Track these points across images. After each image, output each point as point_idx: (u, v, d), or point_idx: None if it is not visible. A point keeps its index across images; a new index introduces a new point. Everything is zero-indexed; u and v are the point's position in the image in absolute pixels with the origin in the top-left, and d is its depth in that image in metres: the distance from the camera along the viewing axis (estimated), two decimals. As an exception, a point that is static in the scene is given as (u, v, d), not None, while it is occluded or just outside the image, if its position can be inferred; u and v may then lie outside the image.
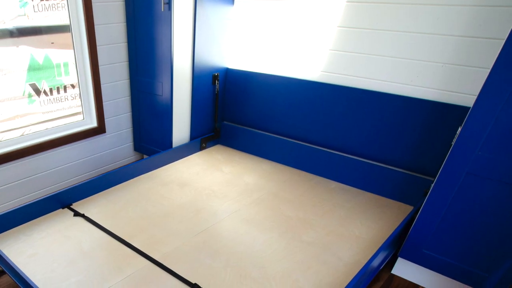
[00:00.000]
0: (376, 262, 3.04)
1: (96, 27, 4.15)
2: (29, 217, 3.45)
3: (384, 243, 3.01)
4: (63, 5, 3.93)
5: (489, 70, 2.68)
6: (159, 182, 4.21)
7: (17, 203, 4.13)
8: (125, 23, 4.43)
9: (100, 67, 4.38)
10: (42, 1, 3.79)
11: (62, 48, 4.09)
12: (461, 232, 2.90)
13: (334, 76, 4.05)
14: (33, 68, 3.94)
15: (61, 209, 3.65)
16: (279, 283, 2.88)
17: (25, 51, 3.83)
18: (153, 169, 4.48)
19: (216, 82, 4.79)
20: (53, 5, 3.87)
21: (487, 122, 2.51)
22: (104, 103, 4.60)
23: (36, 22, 3.81)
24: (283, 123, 4.59)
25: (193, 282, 2.84)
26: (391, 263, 3.51)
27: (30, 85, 3.98)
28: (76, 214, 3.58)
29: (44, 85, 4.09)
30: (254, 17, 4.42)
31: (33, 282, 2.66)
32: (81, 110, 4.52)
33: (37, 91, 4.06)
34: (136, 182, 4.20)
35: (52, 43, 4.00)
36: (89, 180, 3.86)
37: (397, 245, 3.45)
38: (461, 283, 3.09)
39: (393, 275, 3.43)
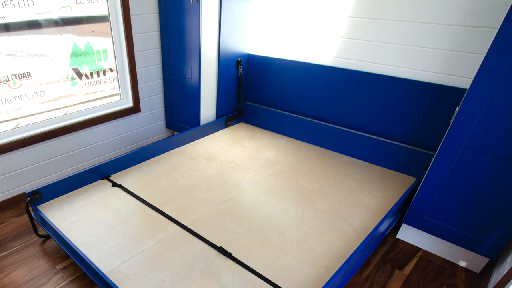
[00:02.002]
0: (382, 228, 3.10)
1: (132, 17, 4.16)
2: (72, 187, 3.50)
3: (390, 210, 3.05)
4: (102, -2, 3.97)
5: (483, 56, 2.72)
6: (188, 156, 4.24)
7: (62, 175, 4.22)
8: (158, 14, 4.42)
9: (135, 53, 4.39)
10: (83, -6, 3.81)
11: (101, 36, 4.09)
12: (458, 201, 2.92)
13: (345, 61, 4.04)
14: (76, 54, 3.95)
15: (100, 180, 3.71)
16: (296, 246, 2.92)
17: (68, 39, 3.83)
18: (183, 145, 4.50)
19: (239, 66, 4.77)
20: (93, -2, 3.91)
21: (482, 102, 2.52)
22: (139, 85, 4.62)
23: (78, 13, 3.78)
24: (300, 103, 4.57)
25: (219, 245, 2.89)
26: (396, 228, 3.58)
27: (73, 69, 3.99)
28: (114, 184, 3.64)
29: (85, 69, 4.10)
30: (273, 8, 4.39)
31: (75, 246, 2.74)
32: (118, 92, 4.53)
33: (79, 75, 4.07)
34: (168, 156, 4.24)
35: (93, 31, 4.00)
36: (125, 154, 3.89)
37: (402, 212, 3.49)
38: (458, 247, 3.13)
39: (398, 239, 3.47)
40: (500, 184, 2.68)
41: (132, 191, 3.57)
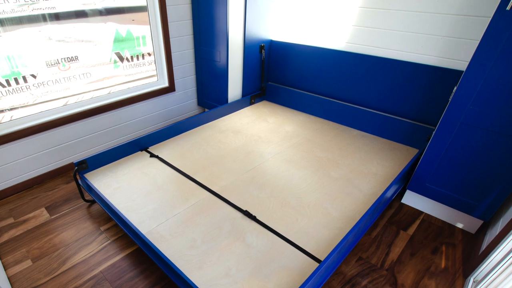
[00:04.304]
0: (389, 194, 3.14)
1: (167, 7, 4.21)
2: (114, 157, 3.59)
3: (396, 178, 3.09)
4: (141, -10, 3.99)
5: (478, 42, 2.73)
6: (217, 130, 4.29)
7: (105, 147, 4.33)
8: (190, 4, 4.45)
9: (170, 39, 4.44)
10: (124, -13, 3.85)
11: (140, 24, 4.13)
12: (456, 170, 2.97)
13: (356, 46, 4.02)
14: (118, 40, 4.01)
15: (139, 152, 3.78)
16: (312, 210, 2.97)
17: (111, 27, 3.89)
18: (213, 120, 4.55)
19: (263, 51, 4.78)
20: (133, -10, 3.94)
21: (477, 82, 2.56)
22: (174, 68, 4.68)
23: (120, 4, 3.84)
24: (316, 83, 4.58)
25: (244, 209, 2.95)
26: (401, 194, 3.63)
27: (115, 53, 4.06)
28: (152, 155, 3.70)
29: (126, 53, 4.16)
30: (293, -2, 4.45)
31: (117, 209, 2.81)
32: (155, 73, 4.58)
33: (121, 58, 4.14)
34: (199, 130, 4.29)
35: (133, 20, 4.04)
36: (162, 128, 3.94)
37: (406, 180, 3.53)
38: (456, 210, 3.19)
39: (403, 203, 3.52)
40: (493, 155, 2.73)
41: (168, 161, 3.63)
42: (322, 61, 4.39)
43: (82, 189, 3.67)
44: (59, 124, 3.72)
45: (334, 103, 4.48)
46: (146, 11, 4.14)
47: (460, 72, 3.38)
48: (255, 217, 2.86)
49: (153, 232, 2.70)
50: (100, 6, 3.71)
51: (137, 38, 4.21)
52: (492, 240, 2.51)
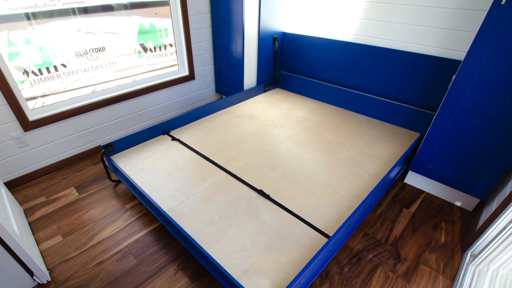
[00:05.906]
0: (393, 174, 3.20)
1: (187, 2, 4.22)
2: (139, 141, 3.62)
3: (399, 160, 3.12)
4: (163, -14, 4.01)
5: (475, 33, 2.72)
6: (234, 115, 4.30)
7: (131, 131, 4.36)
8: None
9: (191, 31, 4.45)
10: (148, -17, 3.87)
11: (163, 17, 4.15)
12: (455, 152, 2.99)
13: (362, 38, 4.01)
14: (142, 32, 4.03)
15: (162, 135, 3.81)
16: (322, 189, 2.98)
17: (136, 20, 3.91)
18: (229, 106, 4.57)
19: (276, 42, 4.79)
20: (156, -14, 3.96)
21: (474, 71, 2.58)
22: (193, 58, 4.69)
23: None
24: (325, 72, 4.58)
25: (259, 188, 2.97)
26: (404, 175, 3.65)
27: (140, 44, 4.07)
28: (173, 139, 3.73)
29: (149, 44, 4.17)
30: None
31: (141, 189, 2.87)
32: (176, 63, 4.60)
33: (145, 49, 4.15)
34: (217, 115, 4.30)
35: (156, 13, 4.05)
36: (182, 114, 3.96)
37: (408, 161, 3.58)
38: (455, 189, 3.22)
39: (405, 183, 3.54)
40: (489, 138, 2.75)
41: (188, 144, 3.65)
42: (331, 51, 4.38)
43: (109, 170, 3.71)
44: (88, 110, 3.76)
45: (342, 91, 4.47)
46: (168, 5, 4.15)
47: (458, 61, 3.38)
48: (268, 196, 2.88)
49: (174, 209, 2.73)
50: (125, 0, 3.72)
51: (160, 30, 4.22)
52: (488, 217, 2.53)
